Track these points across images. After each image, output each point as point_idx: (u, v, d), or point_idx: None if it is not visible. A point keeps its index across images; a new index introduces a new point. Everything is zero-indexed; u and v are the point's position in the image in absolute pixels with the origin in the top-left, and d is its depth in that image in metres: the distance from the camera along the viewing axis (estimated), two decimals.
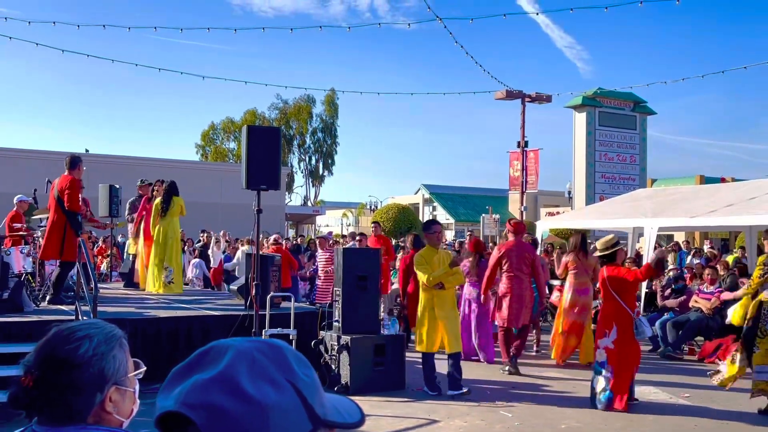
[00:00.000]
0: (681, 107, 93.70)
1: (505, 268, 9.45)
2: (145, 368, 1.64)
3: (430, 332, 7.72)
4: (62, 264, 9.08)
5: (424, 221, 8.48)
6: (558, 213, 29.67)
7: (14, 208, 10.86)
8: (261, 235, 9.00)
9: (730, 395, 7.98)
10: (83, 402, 1.49)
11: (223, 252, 16.30)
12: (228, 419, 0.77)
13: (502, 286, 9.51)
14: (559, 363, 9.87)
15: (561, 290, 12.85)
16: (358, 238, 13.39)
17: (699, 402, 7.67)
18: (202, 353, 0.85)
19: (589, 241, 12.81)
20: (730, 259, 15.04)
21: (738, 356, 7.12)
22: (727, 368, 7.15)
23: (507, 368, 9.13)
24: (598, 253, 7.94)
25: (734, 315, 10.20)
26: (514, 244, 9.59)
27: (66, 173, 8.98)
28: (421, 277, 7.70)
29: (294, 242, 19.28)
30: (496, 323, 9.87)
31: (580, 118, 36.48)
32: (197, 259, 16.82)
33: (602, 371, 7.24)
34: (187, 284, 13.62)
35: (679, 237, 24.86)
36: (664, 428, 6.60)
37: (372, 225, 13.91)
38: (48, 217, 9.24)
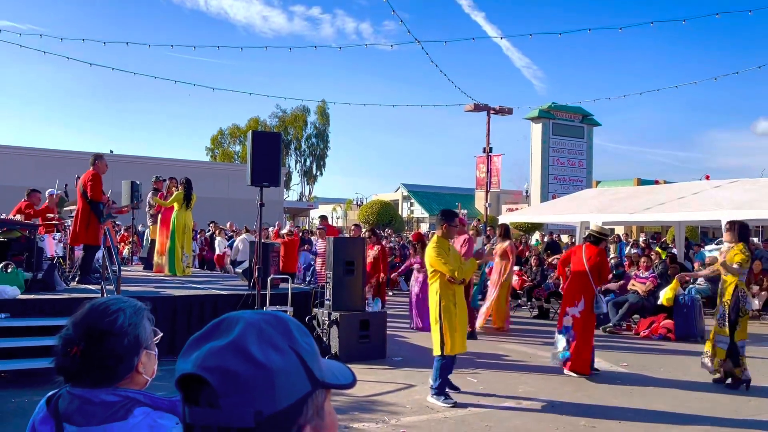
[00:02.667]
0: (622, 120, 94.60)
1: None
2: (161, 334, 1.67)
3: (460, 332, 6.11)
4: (86, 247, 8.96)
5: (445, 210, 6.50)
6: (517, 209, 29.81)
7: (45, 201, 10.72)
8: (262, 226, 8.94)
9: (661, 364, 8.08)
10: (124, 366, 1.51)
11: (229, 238, 16.25)
12: (239, 381, 0.78)
13: None
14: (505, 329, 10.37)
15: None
16: (352, 228, 13.62)
17: (635, 370, 7.76)
18: (216, 324, 0.85)
19: (552, 235, 12.95)
20: (662, 253, 15.16)
21: (720, 338, 6.94)
22: (714, 354, 7.06)
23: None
24: (589, 231, 8.05)
25: (665, 297, 10.36)
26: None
27: (90, 169, 8.89)
28: (445, 270, 6.01)
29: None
30: None
31: (537, 128, 36.71)
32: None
33: (565, 335, 7.36)
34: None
35: (620, 230, 25.10)
36: (606, 392, 6.67)
37: (319, 218, 13.90)
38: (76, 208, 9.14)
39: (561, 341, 7.39)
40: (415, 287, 10.62)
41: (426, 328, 10.21)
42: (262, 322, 0.83)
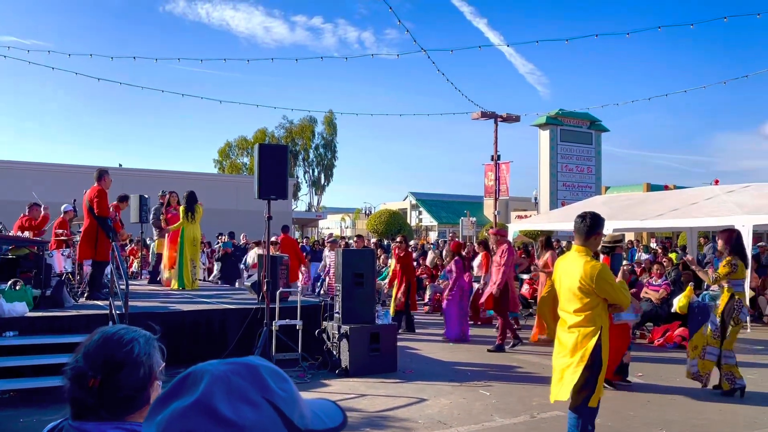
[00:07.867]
0: (630, 125, 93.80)
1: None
2: (163, 363, 1.59)
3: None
4: (95, 263, 8.97)
5: (595, 214, 4.59)
6: (526, 216, 29.68)
7: (61, 216, 10.71)
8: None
9: (675, 374, 7.94)
10: (142, 398, 1.45)
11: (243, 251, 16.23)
12: None
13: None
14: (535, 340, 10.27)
15: (530, 283, 12.82)
16: (355, 239, 13.47)
17: (650, 380, 7.64)
18: (181, 380, 0.78)
19: (553, 240, 12.96)
20: (673, 256, 15.02)
21: (711, 350, 6.92)
22: (698, 364, 7.00)
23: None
24: (602, 244, 7.94)
25: (678, 304, 10.20)
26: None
27: (95, 184, 8.91)
28: (623, 300, 4.45)
29: (300, 243, 19.23)
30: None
31: (545, 135, 36.57)
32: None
33: None
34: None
35: (630, 236, 24.89)
36: (622, 403, 6.55)
37: (282, 228, 13.88)
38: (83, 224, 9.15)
39: None
40: (447, 297, 10.58)
41: (451, 337, 10.15)
42: (230, 373, 0.77)
